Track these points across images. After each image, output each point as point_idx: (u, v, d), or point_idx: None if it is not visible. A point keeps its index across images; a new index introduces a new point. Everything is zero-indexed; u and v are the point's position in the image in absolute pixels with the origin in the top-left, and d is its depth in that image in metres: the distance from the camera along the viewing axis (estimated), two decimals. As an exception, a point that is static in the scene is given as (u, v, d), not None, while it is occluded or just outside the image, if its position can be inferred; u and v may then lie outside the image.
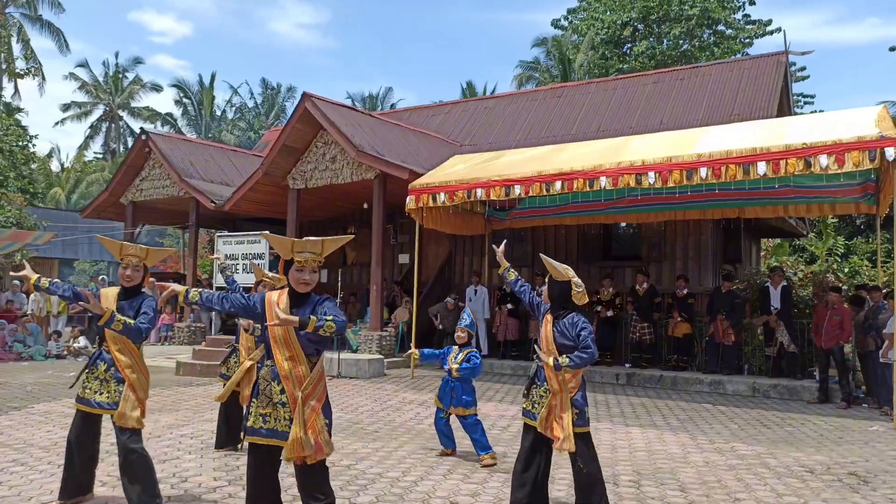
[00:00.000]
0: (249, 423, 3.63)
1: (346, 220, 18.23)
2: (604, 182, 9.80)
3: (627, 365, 12.68)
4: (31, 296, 16.49)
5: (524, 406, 4.58)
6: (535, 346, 4.51)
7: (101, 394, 4.45)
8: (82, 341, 14.76)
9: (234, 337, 6.54)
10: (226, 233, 14.92)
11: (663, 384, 11.63)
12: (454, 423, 6.28)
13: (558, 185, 10.19)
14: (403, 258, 17.45)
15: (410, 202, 11.76)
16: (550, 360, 4.28)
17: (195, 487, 5.04)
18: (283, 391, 3.56)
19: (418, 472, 5.71)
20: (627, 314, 12.95)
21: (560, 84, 24.43)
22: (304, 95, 13.87)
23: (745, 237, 16.36)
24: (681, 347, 12.34)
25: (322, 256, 3.64)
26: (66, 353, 14.03)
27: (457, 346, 6.31)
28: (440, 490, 5.18)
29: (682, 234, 14.11)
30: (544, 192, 10.41)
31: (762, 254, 23.04)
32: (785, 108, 16.26)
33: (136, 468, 4.29)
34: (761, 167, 8.69)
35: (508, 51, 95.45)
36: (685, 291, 12.41)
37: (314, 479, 3.56)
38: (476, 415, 6.22)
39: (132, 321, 4.32)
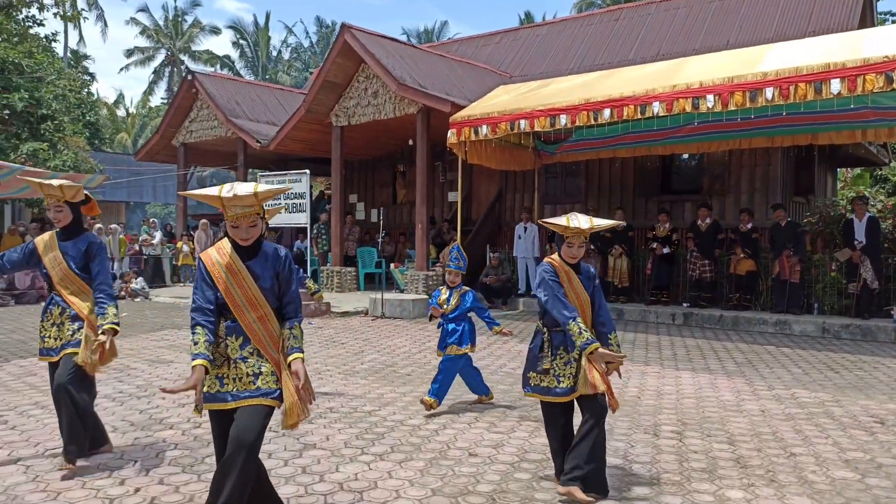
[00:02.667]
0: (205, 389, 3.10)
1: (394, 158, 17.83)
2: (657, 108, 9.02)
3: (685, 304, 12.01)
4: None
5: (542, 384, 3.86)
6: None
7: (59, 339, 4.16)
8: (140, 283, 15.09)
9: None
10: (267, 172, 14.76)
11: (724, 324, 10.96)
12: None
13: (607, 113, 9.45)
14: (454, 196, 16.97)
15: (451, 136, 11.21)
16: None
17: (165, 430, 4.87)
18: (243, 345, 3.11)
19: (442, 419, 5.39)
20: (686, 251, 12.21)
21: (617, 6, 22.90)
22: (343, 27, 13.33)
23: (820, 167, 15.14)
24: (744, 285, 11.56)
25: (260, 207, 3.08)
26: (123, 294, 14.35)
27: (445, 287, 5.81)
28: (461, 440, 4.84)
29: (748, 164, 13.10)
30: (592, 122, 9.68)
31: (840, 185, 21.48)
32: (868, 25, 14.70)
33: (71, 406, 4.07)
34: (835, 85, 7.74)
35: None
36: (749, 226, 11.54)
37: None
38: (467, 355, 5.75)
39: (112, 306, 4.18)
